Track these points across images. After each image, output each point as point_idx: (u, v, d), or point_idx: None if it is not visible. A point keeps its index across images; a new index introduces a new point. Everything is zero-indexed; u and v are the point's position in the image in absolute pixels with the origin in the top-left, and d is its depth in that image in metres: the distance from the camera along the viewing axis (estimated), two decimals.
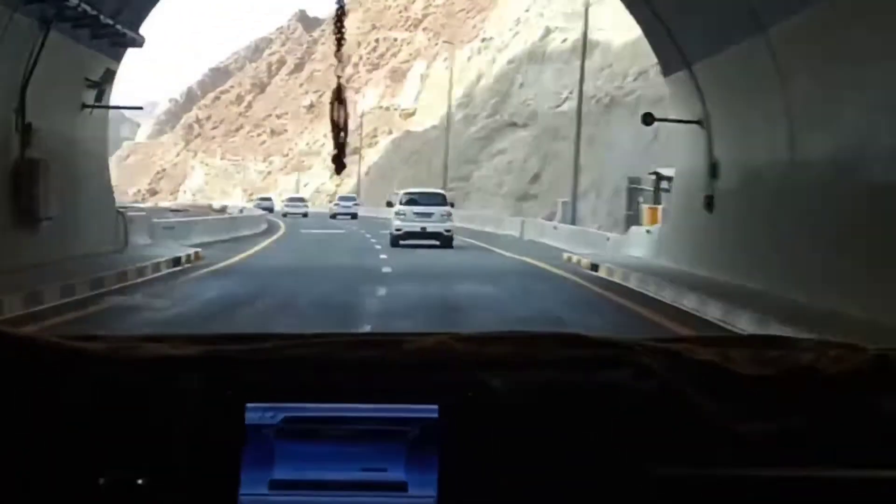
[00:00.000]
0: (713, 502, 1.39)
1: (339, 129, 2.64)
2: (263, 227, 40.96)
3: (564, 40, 72.69)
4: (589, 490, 1.38)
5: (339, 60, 2.81)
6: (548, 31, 74.71)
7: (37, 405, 1.43)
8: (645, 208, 30.17)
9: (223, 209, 65.18)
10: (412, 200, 30.65)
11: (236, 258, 22.89)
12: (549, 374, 1.46)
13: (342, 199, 67.03)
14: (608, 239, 28.35)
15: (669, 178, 27.03)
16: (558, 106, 70.21)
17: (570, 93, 71.10)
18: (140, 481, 1.33)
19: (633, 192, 35.36)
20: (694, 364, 1.50)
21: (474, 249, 31.34)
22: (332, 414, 1.41)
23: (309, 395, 1.42)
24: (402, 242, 29.15)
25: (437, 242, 29.30)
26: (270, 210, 64.53)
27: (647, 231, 24.06)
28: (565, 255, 25.78)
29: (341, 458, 1.40)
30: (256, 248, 28.34)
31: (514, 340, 1.54)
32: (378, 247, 29.44)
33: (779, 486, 1.39)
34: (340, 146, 2.61)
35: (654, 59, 64.09)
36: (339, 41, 2.81)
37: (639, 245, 24.11)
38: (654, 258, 21.72)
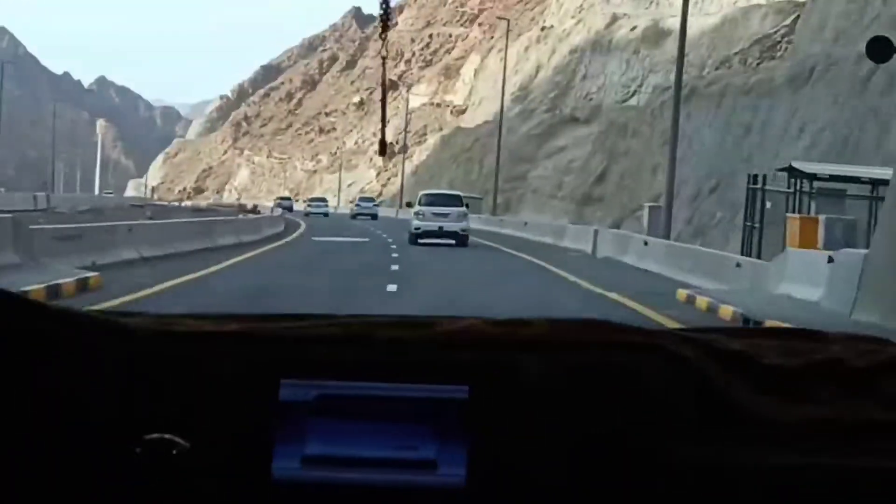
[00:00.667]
0: (740, 490, 1.41)
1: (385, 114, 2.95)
2: (267, 232, 33.91)
3: (633, 28, 65.77)
4: (615, 473, 1.41)
5: (384, 39, 3.09)
6: (614, 19, 67.88)
7: (75, 376, 1.46)
8: (795, 220, 21.18)
9: (255, 208, 63.77)
10: (430, 202, 31.71)
11: (163, 286, 15.31)
12: (579, 357, 1.50)
13: (362, 199, 69.22)
14: (738, 265, 18.59)
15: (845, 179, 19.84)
16: (625, 100, 63.29)
17: (640, 85, 64.17)
18: (175, 452, 1.35)
19: (754, 195, 25.69)
20: (723, 353, 1.53)
21: (533, 274, 22.34)
22: (364, 392, 1.44)
23: (342, 373, 1.46)
24: (420, 241, 30.24)
25: (454, 241, 30.39)
26: (290, 209, 65.45)
27: (829, 259, 14.40)
28: (681, 294, 16.90)
29: (372, 436, 1.43)
30: (221, 265, 19.61)
31: (544, 325, 1.58)
32: (398, 269, 20.80)
33: (804, 475, 1.42)
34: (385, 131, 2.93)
35: (738, 47, 56.96)
36: (385, 23, 2.92)
37: (807, 280, 14.95)
38: (843, 305, 13.24)
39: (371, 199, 70.16)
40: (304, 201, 78.66)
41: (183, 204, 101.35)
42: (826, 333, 1.70)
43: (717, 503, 1.40)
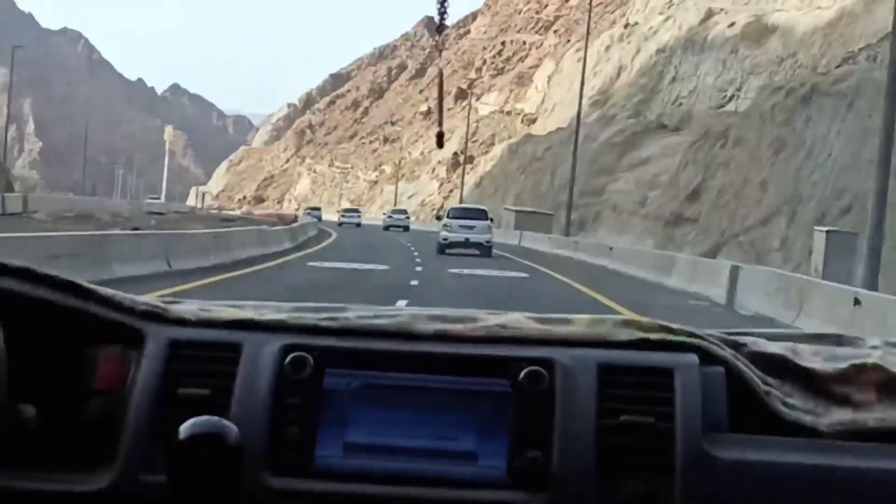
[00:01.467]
0: (774, 490, 1.41)
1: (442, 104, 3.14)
2: (287, 244, 27.22)
3: (731, 24, 57.43)
4: (649, 469, 1.42)
5: (440, 31, 3.20)
6: (709, 14, 59.61)
7: (121, 359, 1.51)
8: None
9: (295, 218, 58.69)
10: (458, 215, 33.64)
11: None
12: (617, 353, 1.51)
13: (395, 212, 72.03)
14: None
15: None
16: (722, 105, 54.94)
17: (739, 89, 55.76)
18: (219, 435, 1.34)
19: None
20: (761, 356, 1.54)
21: None
22: (407, 383, 1.47)
23: (385, 364, 1.48)
24: (447, 251, 31.49)
25: (478, 252, 31.48)
26: (319, 219, 67.03)
27: None
28: None
29: (414, 426, 1.46)
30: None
31: (583, 321, 1.58)
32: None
33: (838, 479, 1.41)
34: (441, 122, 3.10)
35: (861, 43, 48.03)
36: (442, 19, 2.97)
37: None
38: None
39: (404, 212, 73.24)
40: (338, 212, 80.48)
41: (234, 213, 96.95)
42: (864, 339, 1.66)
43: (748, 501, 1.39)
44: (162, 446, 1.37)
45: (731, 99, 54.94)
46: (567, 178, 52.67)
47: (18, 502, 1.42)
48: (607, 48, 66.66)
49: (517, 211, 54.85)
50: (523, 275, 23.68)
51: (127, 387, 1.47)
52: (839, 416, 1.46)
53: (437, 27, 2.99)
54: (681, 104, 57.22)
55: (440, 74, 3.81)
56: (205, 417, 1.34)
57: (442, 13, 2.95)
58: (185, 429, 1.32)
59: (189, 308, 1.59)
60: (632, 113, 58.46)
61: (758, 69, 54.31)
